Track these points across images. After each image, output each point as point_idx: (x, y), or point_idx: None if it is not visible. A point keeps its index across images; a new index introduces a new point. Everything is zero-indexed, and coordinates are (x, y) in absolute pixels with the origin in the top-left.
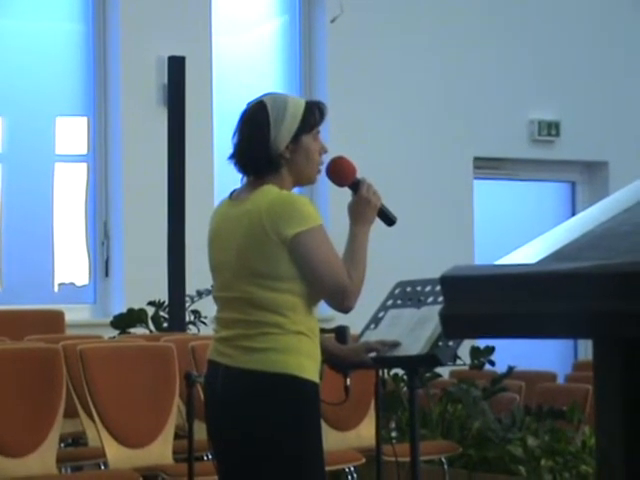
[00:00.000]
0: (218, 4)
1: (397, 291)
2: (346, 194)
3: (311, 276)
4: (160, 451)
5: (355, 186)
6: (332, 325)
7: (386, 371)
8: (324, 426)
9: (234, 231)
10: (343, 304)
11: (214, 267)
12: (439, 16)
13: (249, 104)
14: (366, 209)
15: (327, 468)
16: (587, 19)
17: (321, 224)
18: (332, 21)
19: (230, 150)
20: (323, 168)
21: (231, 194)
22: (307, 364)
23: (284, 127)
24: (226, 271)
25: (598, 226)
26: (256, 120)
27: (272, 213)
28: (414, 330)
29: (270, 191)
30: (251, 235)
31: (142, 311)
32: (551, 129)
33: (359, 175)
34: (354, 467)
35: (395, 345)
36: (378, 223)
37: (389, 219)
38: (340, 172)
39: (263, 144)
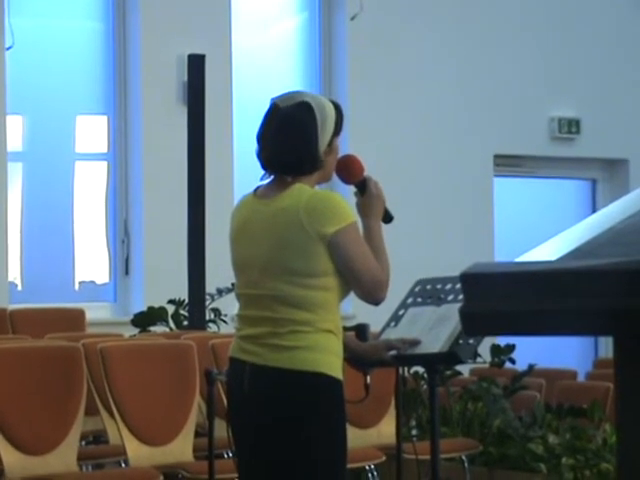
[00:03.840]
0: (238, 2)
1: (417, 289)
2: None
3: (349, 271)
4: (180, 449)
5: (362, 184)
6: (352, 323)
7: (406, 369)
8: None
9: (267, 228)
10: (378, 296)
11: (239, 264)
12: (459, 13)
13: (277, 100)
14: (378, 204)
15: (347, 466)
16: (608, 17)
17: (355, 220)
18: (352, 18)
19: (251, 149)
20: None
21: (255, 191)
22: (335, 362)
23: (327, 130)
24: (253, 268)
25: (618, 223)
26: (306, 122)
27: (310, 211)
28: (434, 328)
29: (304, 189)
30: (288, 232)
31: (162, 309)
32: (571, 127)
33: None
34: (374, 465)
35: (415, 343)
36: (391, 224)
37: (389, 216)
38: (351, 170)
39: (313, 147)
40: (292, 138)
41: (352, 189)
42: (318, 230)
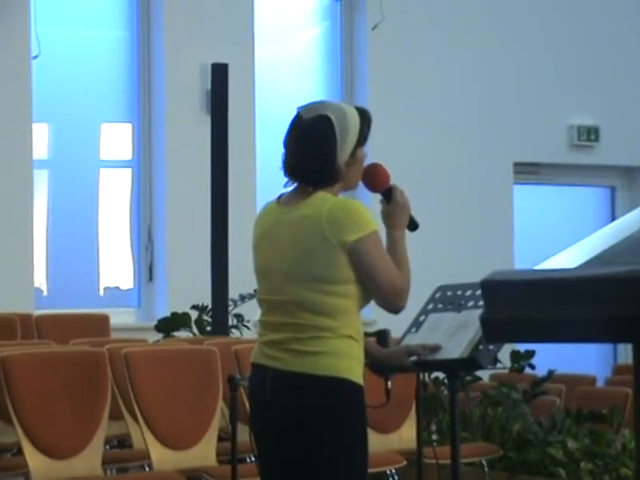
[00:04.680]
0: (260, 12)
1: (438, 295)
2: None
3: (369, 280)
4: (204, 453)
5: (388, 192)
6: (374, 329)
7: (427, 374)
8: None
9: (289, 235)
10: (397, 304)
11: (261, 270)
12: (479, 23)
13: (302, 110)
14: (402, 213)
15: (369, 470)
16: (626, 24)
17: (377, 229)
18: (373, 28)
19: (274, 156)
20: None
21: (278, 198)
22: (357, 368)
23: (347, 143)
24: (276, 274)
25: (637, 231)
26: (324, 136)
27: (333, 219)
28: (455, 334)
29: (327, 198)
30: (310, 240)
31: (186, 315)
32: (590, 134)
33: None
34: (395, 469)
35: (436, 349)
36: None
37: (414, 224)
38: (377, 179)
39: (330, 160)
40: (310, 152)
41: (378, 196)
42: (340, 238)
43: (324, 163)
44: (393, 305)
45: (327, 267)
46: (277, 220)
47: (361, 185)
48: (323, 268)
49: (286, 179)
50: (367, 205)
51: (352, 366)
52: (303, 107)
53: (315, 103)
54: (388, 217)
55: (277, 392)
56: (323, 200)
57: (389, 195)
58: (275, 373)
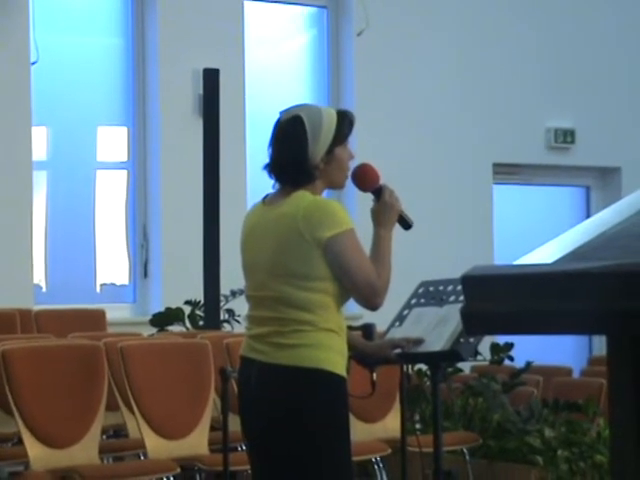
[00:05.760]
0: (250, 19)
1: (421, 290)
2: (370, 198)
3: (344, 276)
4: (197, 442)
5: (378, 192)
6: (359, 323)
7: (410, 366)
8: (352, 418)
9: (269, 233)
10: (373, 302)
11: (247, 267)
12: (461, 29)
13: (282, 113)
14: (390, 213)
15: (355, 458)
16: (603, 31)
17: (353, 227)
18: (358, 34)
19: (263, 158)
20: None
21: (264, 199)
22: (337, 360)
23: (320, 142)
24: (260, 271)
25: (611, 228)
26: (295, 136)
27: (308, 217)
28: (437, 327)
29: (305, 196)
30: (287, 237)
31: (179, 310)
32: (567, 136)
33: (382, 181)
34: (380, 457)
35: (419, 342)
36: (398, 227)
37: (407, 223)
38: (365, 178)
39: (301, 159)
40: (283, 152)
41: (367, 196)
42: (314, 235)
43: (295, 162)
44: (369, 302)
45: (303, 264)
46: (261, 219)
47: (351, 185)
48: (300, 264)
49: (276, 182)
50: (359, 205)
51: (333, 358)
52: (283, 110)
53: (294, 106)
54: (376, 215)
55: (262, 384)
56: (301, 199)
57: (379, 194)
58: (260, 366)
